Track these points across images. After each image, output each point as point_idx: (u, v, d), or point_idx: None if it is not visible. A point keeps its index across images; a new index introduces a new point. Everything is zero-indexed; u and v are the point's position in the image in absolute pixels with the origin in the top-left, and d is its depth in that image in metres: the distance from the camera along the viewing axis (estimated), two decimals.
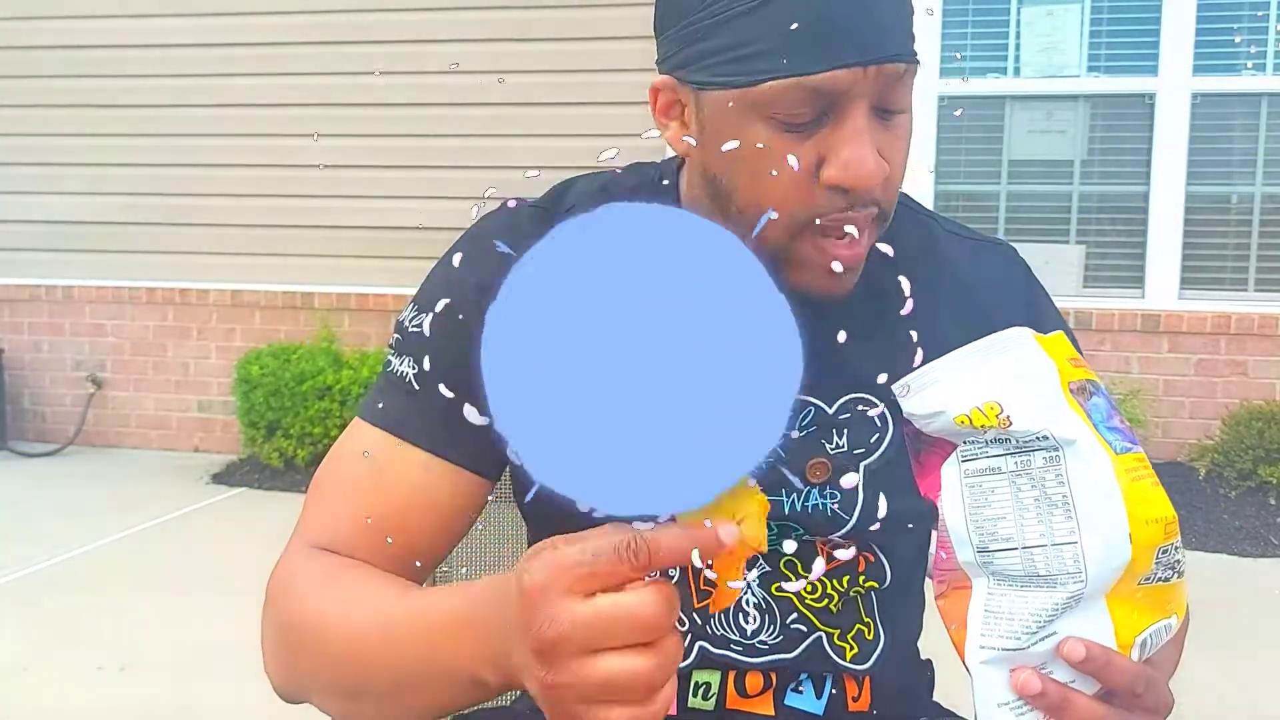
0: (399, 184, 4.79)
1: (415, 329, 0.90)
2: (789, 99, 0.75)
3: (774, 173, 0.78)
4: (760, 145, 0.77)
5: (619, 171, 0.97)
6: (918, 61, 0.78)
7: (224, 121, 4.92)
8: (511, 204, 0.95)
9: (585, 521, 0.63)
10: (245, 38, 4.87)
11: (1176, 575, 0.70)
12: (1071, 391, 0.69)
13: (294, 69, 4.84)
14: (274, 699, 0.90)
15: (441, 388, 0.88)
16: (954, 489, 0.70)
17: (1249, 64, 4.35)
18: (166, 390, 5.09)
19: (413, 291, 0.94)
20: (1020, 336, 0.72)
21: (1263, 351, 4.26)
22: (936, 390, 0.71)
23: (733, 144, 0.78)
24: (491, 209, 0.96)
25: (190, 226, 4.99)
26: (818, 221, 0.79)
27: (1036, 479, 0.68)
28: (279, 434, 4.45)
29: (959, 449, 0.70)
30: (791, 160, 0.77)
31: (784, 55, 0.74)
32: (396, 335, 0.92)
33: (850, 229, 0.79)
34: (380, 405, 0.90)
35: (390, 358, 0.91)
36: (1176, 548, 0.70)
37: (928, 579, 0.76)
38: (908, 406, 0.72)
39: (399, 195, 4.79)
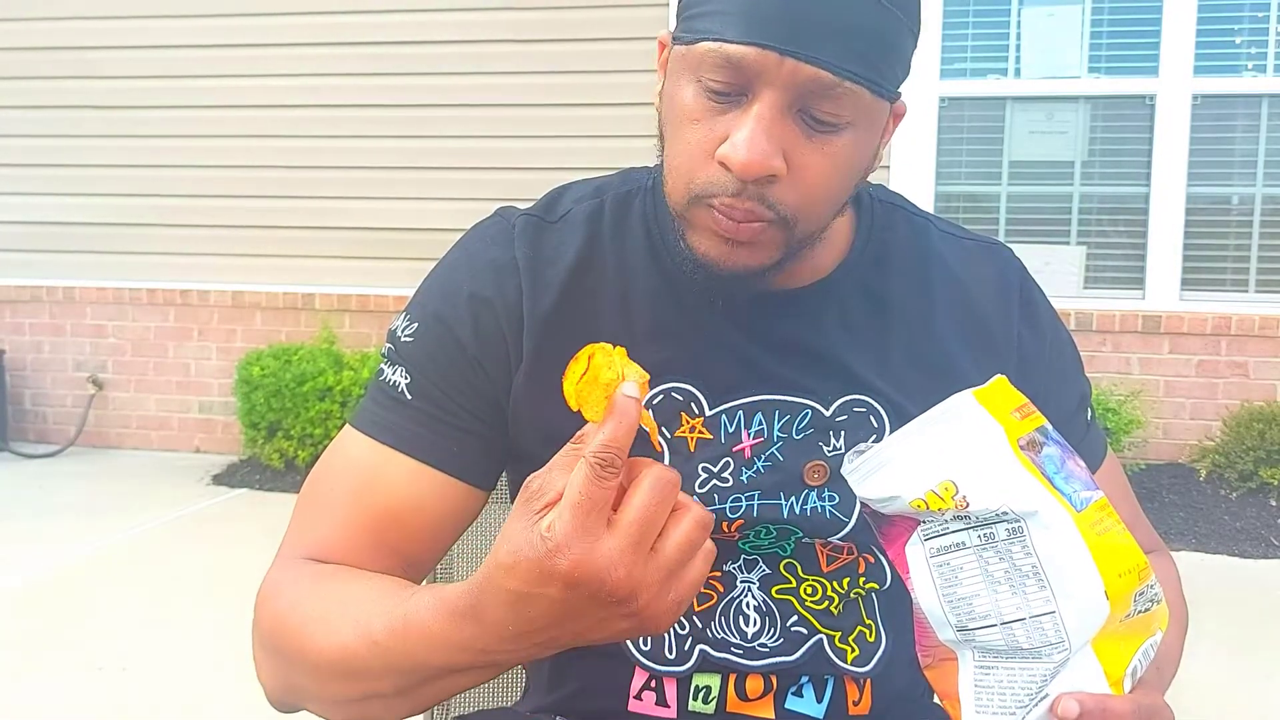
0: (399, 184, 4.79)
1: (408, 338, 0.90)
2: (709, 62, 0.77)
3: (685, 134, 0.80)
4: (685, 104, 0.79)
5: (613, 176, 0.97)
6: (859, 81, 0.75)
7: (225, 123, 4.92)
8: (504, 211, 0.95)
9: None
10: (246, 39, 4.87)
11: (1155, 604, 0.70)
12: (1022, 448, 0.68)
13: (295, 70, 4.84)
14: None
15: (433, 397, 0.88)
16: (922, 570, 0.69)
17: (1249, 64, 4.35)
18: (167, 391, 5.09)
19: (413, 293, 0.94)
20: (963, 402, 0.69)
21: (1264, 353, 4.26)
22: (888, 473, 0.69)
23: (663, 91, 0.83)
24: (484, 217, 0.96)
25: (191, 227, 4.99)
26: (710, 200, 0.78)
27: (1003, 551, 0.66)
28: (280, 435, 4.45)
29: (920, 525, 0.69)
30: (698, 129, 0.79)
31: (718, 21, 0.76)
32: (389, 344, 0.92)
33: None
34: (372, 414, 0.90)
35: (383, 366, 0.92)
36: (1151, 585, 0.69)
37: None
38: (860, 491, 0.70)
39: (399, 196, 4.79)
